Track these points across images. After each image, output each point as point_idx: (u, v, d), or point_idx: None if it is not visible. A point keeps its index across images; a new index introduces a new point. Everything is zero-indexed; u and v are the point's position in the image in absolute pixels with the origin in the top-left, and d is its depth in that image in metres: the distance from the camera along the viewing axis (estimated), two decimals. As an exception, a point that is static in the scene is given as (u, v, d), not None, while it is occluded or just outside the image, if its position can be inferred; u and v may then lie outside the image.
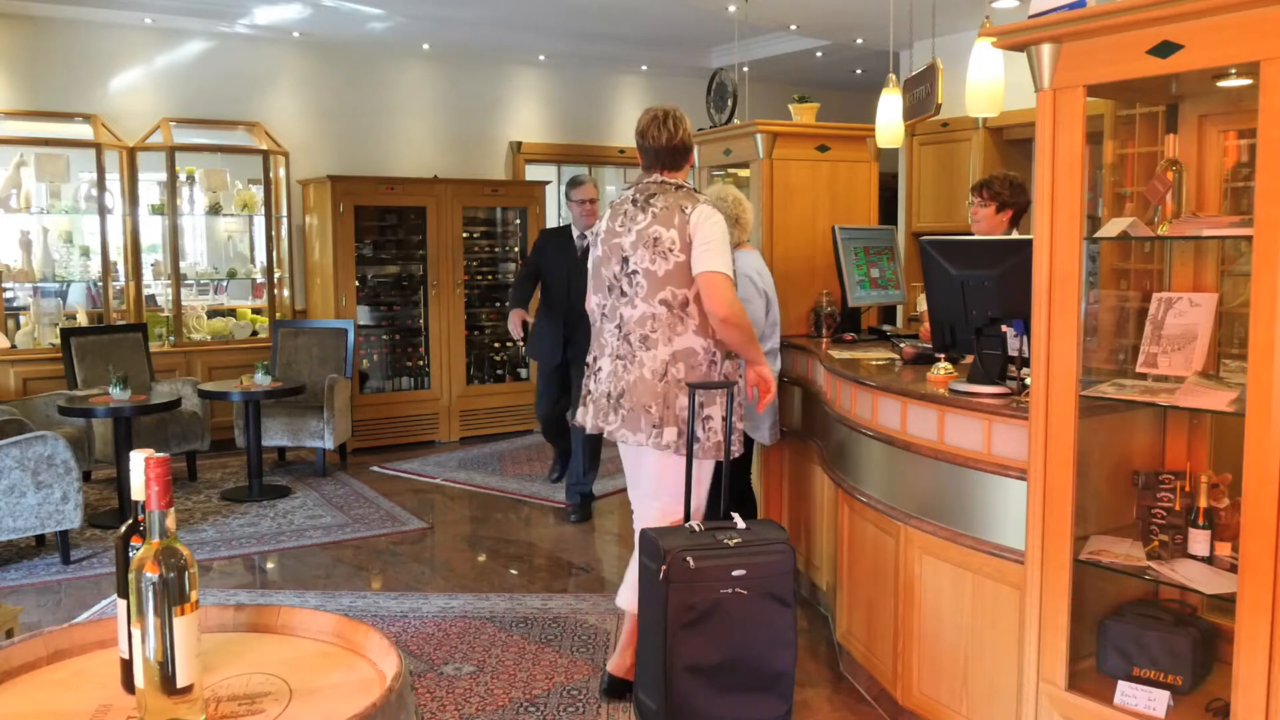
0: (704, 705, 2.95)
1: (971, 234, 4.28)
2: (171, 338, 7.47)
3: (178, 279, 7.47)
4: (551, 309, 5.66)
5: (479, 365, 8.24)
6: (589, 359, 3.46)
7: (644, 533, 3.09)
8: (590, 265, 3.43)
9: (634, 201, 3.31)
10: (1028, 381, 2.61)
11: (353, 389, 7.37)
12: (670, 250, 3.18)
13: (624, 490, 6.50)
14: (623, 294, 3.29)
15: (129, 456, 1.46)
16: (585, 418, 3.45)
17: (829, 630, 3.89)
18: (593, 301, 3.39)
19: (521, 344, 6.38)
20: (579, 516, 5.74)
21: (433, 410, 7.94)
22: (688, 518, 3.30)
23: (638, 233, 3.24)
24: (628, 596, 3.35)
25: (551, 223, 11.24)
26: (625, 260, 3.27)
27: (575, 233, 5.64)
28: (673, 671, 2.92)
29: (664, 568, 2.89)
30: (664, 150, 3.31)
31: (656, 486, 3.33)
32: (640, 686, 3.13)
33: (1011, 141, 6.87)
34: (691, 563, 2.89)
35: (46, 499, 4.79)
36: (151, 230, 7.56)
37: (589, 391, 3.44)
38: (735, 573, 2.92)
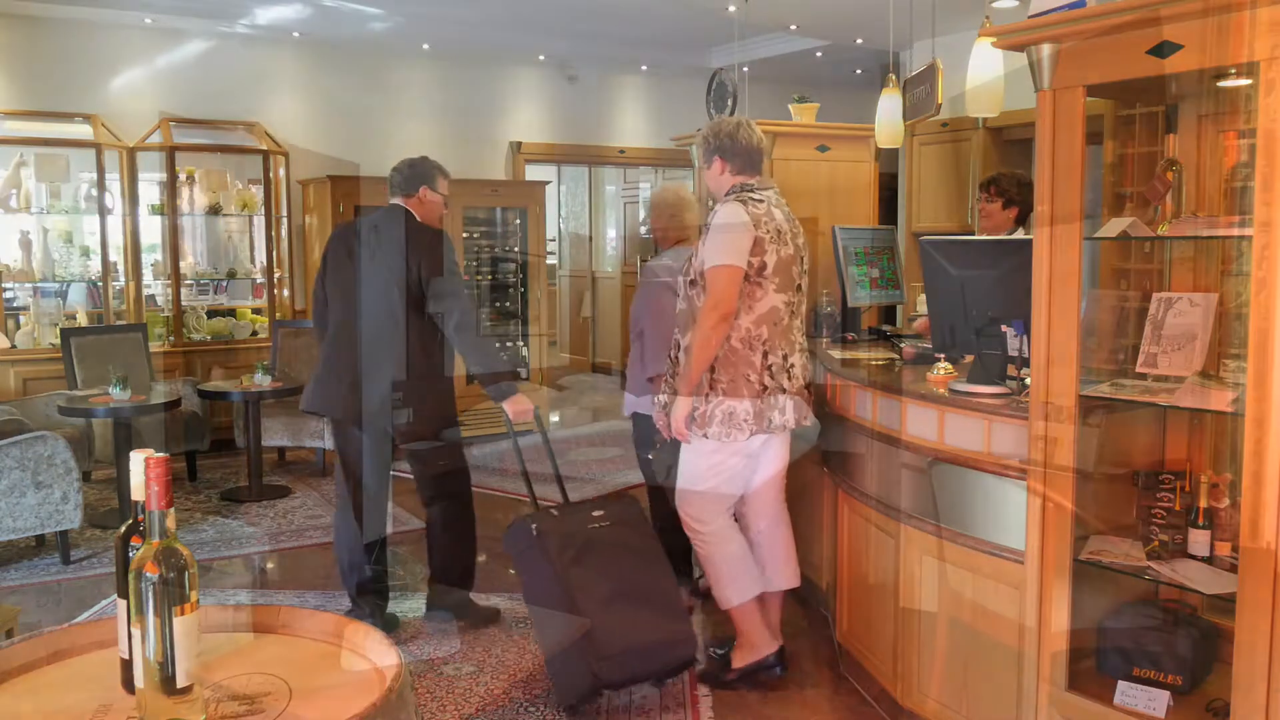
0: (623, 629, 3.25)
1: (973, 233, 4.30)
2: (171, 338, 7.47)
3: (177, 279, 7.46)
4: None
5: (479, 365, 8.23)
6: (779, 356, 3.37)
7: (511, 525, 3.51)
8: (775, 263, 3.32)
9: (776, 203, 3.43)
10: (1028, 381, 2.61)
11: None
12: None
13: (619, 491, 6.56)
14: (800, 290, 3.46)
15: (129, 456, 1.46)
16: (780, 417, 3.38)
17: (829, 630, 3.89)
18: (780, 300, 3.35)
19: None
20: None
21: (433, 410, 7.92)
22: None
23: (800, 233, 3.48)
24: (730, 592, 3.50)
25: (553, 225, 10.82)
26: (802, 259, 3.46)
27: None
28: (584, 607, 3.21)
29: (533, 526, 3.36)
30: (757, 151, 3.46)
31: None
32: (561, 658, 3.36)
33: (1011, 141, 6.86)
34: (556, 513, 3.49)
35: (46, 499, 4.79)
36: (151, 230, 7.55)
37: (779, 389, 3.37)
38: (594, 512, 3.51)
